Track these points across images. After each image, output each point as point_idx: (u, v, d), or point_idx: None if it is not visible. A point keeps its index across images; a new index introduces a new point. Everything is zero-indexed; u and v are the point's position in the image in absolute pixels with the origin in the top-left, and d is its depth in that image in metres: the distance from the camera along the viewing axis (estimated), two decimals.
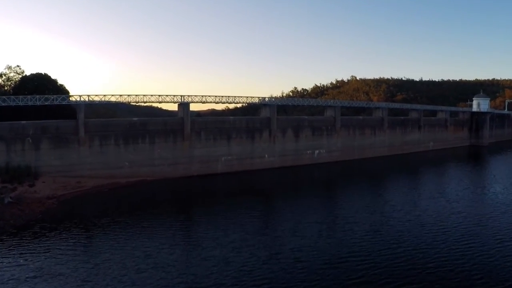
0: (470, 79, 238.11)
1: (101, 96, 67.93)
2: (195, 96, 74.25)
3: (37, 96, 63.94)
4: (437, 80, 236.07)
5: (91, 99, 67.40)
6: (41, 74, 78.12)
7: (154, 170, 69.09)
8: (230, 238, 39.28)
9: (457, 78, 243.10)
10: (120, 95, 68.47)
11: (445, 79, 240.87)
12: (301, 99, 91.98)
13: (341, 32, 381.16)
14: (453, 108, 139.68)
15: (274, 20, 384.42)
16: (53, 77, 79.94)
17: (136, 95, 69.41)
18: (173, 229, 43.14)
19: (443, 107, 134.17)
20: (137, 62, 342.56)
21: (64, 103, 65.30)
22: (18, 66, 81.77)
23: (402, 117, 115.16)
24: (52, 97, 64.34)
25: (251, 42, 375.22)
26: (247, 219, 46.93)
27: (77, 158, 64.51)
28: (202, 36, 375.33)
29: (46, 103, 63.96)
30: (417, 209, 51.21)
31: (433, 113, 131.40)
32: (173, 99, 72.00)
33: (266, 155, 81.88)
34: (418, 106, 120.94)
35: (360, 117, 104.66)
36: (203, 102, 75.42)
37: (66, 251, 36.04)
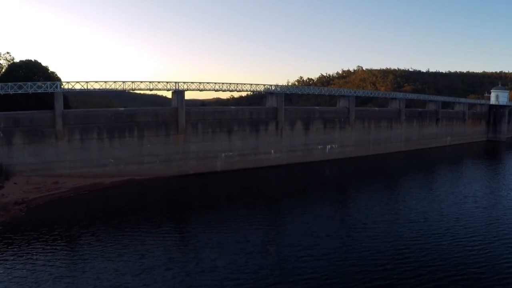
0: (477, 71, 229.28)
1: (83, 83, 59.12)
2: (192, 83, 65.21)
3: (10, 83, 55.86)
4: (444, 72, 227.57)
5: (71, 87, 59.04)
6: (30, 61, 71.51)
7: (143, 168, 60.32)
8: (223, 260, 31.06)
9: (464, 70, 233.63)
10: (105, 82, 59.54)
11: (452, 70, 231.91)
12: (311, 87, 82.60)
13: (347, 21, 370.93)
14: (472, 101, 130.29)
15: (279, 9, 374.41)
16: (44, 63, 73.76)
17: (123, 82, 60.35)
18: (155, 245, 34.49)
19: (462, 99, 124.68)
20: (143, 50, 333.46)
21: (39, 91, 56.51)
22: (8, 52, 75.63)
23: (419, 109, 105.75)
24: (27, 84, 55.86)
25: (256, 31, 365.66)
26: (248, 230, 38.53)
27: (55, 155, 55.97)
28: (205, 24, 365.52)
29: (20, 92, 55.59)
30: (447, 219, 42.65)
31: (444, 105, 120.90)
32: (166, 86, 62.96)
33: (272, 151, 72.71)
34: (437, 97, 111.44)
35: (376, 108, 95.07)
36: (201, 90, 66.24)
37: (14, 277, 27.92)
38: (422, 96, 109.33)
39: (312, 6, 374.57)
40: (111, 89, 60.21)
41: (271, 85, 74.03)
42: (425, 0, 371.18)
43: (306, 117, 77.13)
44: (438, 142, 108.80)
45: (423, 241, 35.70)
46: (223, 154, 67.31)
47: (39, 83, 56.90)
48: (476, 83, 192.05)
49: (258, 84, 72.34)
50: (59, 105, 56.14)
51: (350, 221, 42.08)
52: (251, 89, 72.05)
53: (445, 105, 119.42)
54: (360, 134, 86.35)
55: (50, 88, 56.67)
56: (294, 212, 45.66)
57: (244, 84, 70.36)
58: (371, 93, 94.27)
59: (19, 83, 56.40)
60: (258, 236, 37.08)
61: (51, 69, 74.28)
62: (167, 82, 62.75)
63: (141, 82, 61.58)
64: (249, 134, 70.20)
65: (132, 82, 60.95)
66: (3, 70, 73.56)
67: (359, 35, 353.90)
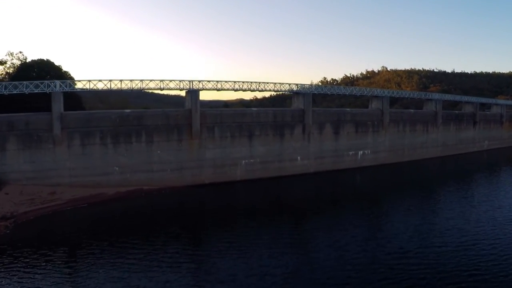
0: (503, 72, 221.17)
1: (84, 82, 52.91)
2: (208, 82, 57.83)
3: (5, 83, 50.73)
4: (469, 72, 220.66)
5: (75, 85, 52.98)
6: (42, 60, 68.57)
7: (152, 177, 53.36)
8: None
9: (490, 70, 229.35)
10: (110, 80, 52.68)
11: (478, 71, 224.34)
12: (341, 87, 74.17)
13: (371, 21, 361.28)
14: (510, 102, 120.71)
15: (302, 9, 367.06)
16: (63, 64, 70.47)
17: (130, 81, 53.44)
18: (153, 277, 27.30)
19: (500, 101, 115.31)
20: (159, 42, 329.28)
21: (36, 91, 50.29)
22: (20, 52, 72.15)
23: (456, 111, 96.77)
24: (23, 84, 49.78)
25: (277, 31, 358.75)
26: (267, 257, 31.29)
27: (53, 162, 49.70)
28: (225, 20, 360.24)
29: (15, 92, 49.58)
30: (504, 243, 34.61)
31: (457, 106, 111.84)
32: (179, 85, 55.73)
33: (299, 158, 64.72)
34: (474, 99, 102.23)
35: (411, 110, 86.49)
36: (218, 90, 58.66)
37: None
38: (459, 97, 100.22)
39: (335, 6, 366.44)
40: (116, 89, 53.43)
41: (297, 84, 65.93)
42: (450, 0, 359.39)
43: (336, 120, 68.95)
44: (476, 147, 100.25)
45: (484, 277, 27.73)
46: (243, 162, 59.79)
47: (37, 82, 50.65)
48: (503, 84, 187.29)
49: (283, 83, 64.33)
50: (56, 106, 49.87)
51: (389, 246, 33.92)
52: (275, 88, 63.97)
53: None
54: (394, 139, 77.81)
55: (48, 87, 50.31)
56: (323, 232, 38.15)
57: (267, 83, 62.53)
58: (406, 94, 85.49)
59: (14, 82, 50.97)
60: (278, 265, 29.64)
61: (64, 68, 71.10)
62: (180, 81, 55.55)
63: (151, 80, 54.50)
64: (273, 139, 62.43)
65: (141, 80, 53.91)
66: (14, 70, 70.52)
67: (383, 35, 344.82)
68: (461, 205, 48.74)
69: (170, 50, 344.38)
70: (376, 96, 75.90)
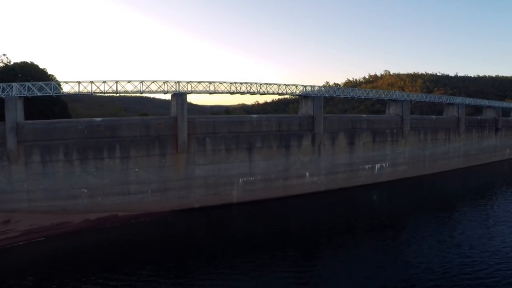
0: (507, 75, 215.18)
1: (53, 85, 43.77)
2: (198, 83, 48.11)
3: None
4: (473, 76, 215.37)
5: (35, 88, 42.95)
6: (26, 63, 63.13)
7: (129, 201, 43.79)
8: None
9: (493, 74, 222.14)
10: (78, 82, 43.13)
11: (481, 74, 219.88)
12: (356, 89, 64.17)
13: (372, 25, 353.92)
14: None
15: (304, 13, 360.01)
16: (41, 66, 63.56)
17: (103, 82, 43.77)
18: None
19: None
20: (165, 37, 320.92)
21: None
22: (4, 54, 66.77)
23: (478, 117, 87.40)
24: None
25: (277, 34, 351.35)
26: None
27: (7, 183, 40.49)
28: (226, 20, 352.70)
29: None
30: None
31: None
32: (162, 87, 46.03)
33: (307, 174, 54.86)
34: (496, 103, 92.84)
35: (433, 116, 76.71)
36: (211, 93, 48.79)
37: None
38: (480, 101, 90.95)
39: (336, 9, 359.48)
40: (85, 93, 43.77)
41: (305, 86, 55.99)
42: (452, 4, 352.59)
43: (350, 128, 59.09)
44: (497, 156, 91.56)
45: None
46: (240, 180, 50.05)
47: None
48: (507, 87, 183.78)
49: (288, 85, 54.35)
50: (11, 115, 40.42)
51: None
52: (279, 91, 53.66)
53: (479, 111, 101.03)
54: (415, 149, 68.20)
55: (3, 92, 40.87)
56: (338, 274, 30.46)
57: (270, 84, 52.78)
58: (427, 97, 75.82)
59: None
60: None
61: (50, 72, 65.08)
62: (164, 82, 45.94)
63: (128, 81, 44.81)
64: (277, 152, 52.60)
65: (116, 82, 44.25)
66: None
67: (385, 39, 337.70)
68: (501, 231, 40.17)
69: (168, 48, 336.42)
70: (395, 100, 66.00)
